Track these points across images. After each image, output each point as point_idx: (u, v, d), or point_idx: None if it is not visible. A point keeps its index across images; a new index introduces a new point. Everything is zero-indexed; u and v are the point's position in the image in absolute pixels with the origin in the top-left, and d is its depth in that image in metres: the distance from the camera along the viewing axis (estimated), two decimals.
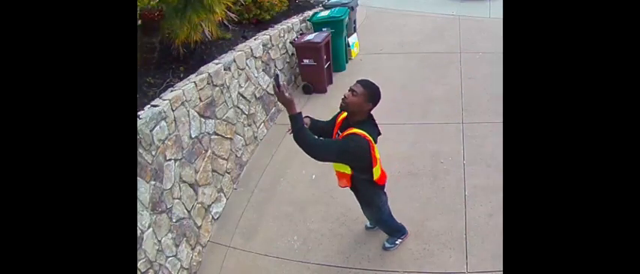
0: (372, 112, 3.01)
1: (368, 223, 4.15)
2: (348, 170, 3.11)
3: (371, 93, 2.91)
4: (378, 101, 2.96)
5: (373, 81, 3.00)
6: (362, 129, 2.87)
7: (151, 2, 4.40)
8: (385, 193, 3.48)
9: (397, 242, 3.94)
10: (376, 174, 3.11)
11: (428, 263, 3.80)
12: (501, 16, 1.95)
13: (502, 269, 1.80)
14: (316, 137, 2.88)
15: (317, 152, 2.80)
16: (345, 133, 2.91)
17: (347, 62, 7.30)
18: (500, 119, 2.74)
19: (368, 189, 3.31)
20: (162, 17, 4.43)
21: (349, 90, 2.92)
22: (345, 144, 2.85)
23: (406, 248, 3.95)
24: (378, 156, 3.10)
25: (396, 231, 3.91)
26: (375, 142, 2.98)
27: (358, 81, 2.97)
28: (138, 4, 4.18)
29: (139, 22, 4.22)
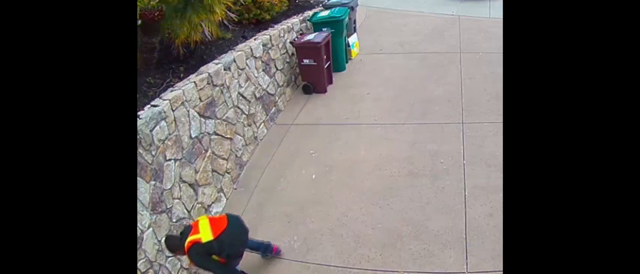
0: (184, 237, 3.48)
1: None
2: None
3: (169, 250, 3.56)
4: (174, 247, 3.48)
5: (164, 240, 3.61)
6: (184, 247, 3.35)
7: (151, 2, 4.40)
8: (227, 237, 3.48)
9: None
10: (206, 237, 3.34)
11: (428, 263, 3.80)
12: (501, 16, 1.95)
13: (502, 269, 1.79)
14: None
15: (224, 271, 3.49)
16: (187, 253, 3.41)
17: (347, 62, 7.31)
18: (501, 119, 2.73)
19: (223, 247, 3.41)
20: (162, 17, 4.43)
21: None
22: (200, 265, 3.47)
23: (407, 248, 3.95)
24: (201, 226, 3.41)
25: None
26: (187, 234, 3.39)
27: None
28: (138, 4, 4.18)
29: (139, 22, 4.22)
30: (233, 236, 3.48)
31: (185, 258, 3.78)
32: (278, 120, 6.11)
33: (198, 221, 3.50)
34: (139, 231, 3.47)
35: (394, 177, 4.80)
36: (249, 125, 5.45)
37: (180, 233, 3.52)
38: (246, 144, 5.35)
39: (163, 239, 3.68)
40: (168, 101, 3.96)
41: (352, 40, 7.54)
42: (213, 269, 3.42)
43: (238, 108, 5.21)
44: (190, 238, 3.34)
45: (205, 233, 3.35)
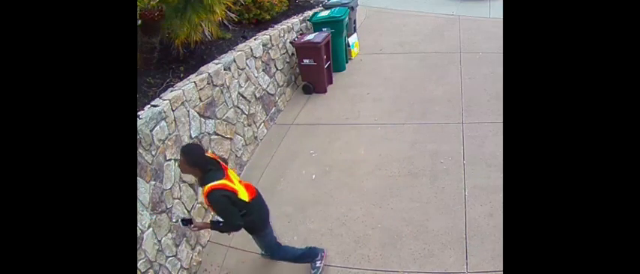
0: (208, 154, 3.26)
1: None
2: None
3: (187, 158, 3.10)
4: (196, 157, 3.11)
5: (189, 144, 3.39)
6: (206, 183, 3.11)
7: (151, 2, 4.40)
8: (261, 204, 3.47)
9: (319, 265, 3.75)
10: (244, 197, 3.26)
11: (428, 262, 3.80)
12: (501, 16, 1.95)
13: (502, 269, 1.80)
14: (220, 221, 3.35)
15: (232, 227, 3.32)
16: (204, 196, 3.19)
17: (347, 62, 7.31)
18: (501, 119, 2.73)
19: (251, 215, 3.33)
20: (162, 17, 4.43)
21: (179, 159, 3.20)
22: (218, 209, 3.21)
23: (407, 248, 3.95)
24: (234, 179, 3.29)
25: (305, 257, 3.74)
26: (223, 175, 3.18)
27: (180, 150, 3.28)
28: (138, 4, 4.18)
29: (139, 22, 4.22)
30: (260, 206, 3.46)
31: (181, 174, 3.45)
32: (278, 120, 6.11)
33: (227, 168, 3.28)
34: (139, 231, 3.46)
35: (394, 177, 4.80)
36: (249, 125, 5.45)
37: (207, 163, 3.15)
38: (246, 144, 5.35)
39: (185, 146, 3.36)
40: (168, 101, 3.96)
41: (352, 40, 7.54)
42: (231, 216, 3.20)
43: (238, 108, 5.21)
44: (224, 182, 3.12)
45: (241, 191, 3.23)
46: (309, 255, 3.77)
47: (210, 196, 3.09)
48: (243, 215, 3.25)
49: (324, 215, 4.42)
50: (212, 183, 3.08)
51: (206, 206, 4.42)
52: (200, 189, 3.34)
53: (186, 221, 3.40)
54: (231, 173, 3.31)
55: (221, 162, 3.33)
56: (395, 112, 5.92)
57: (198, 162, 3.10)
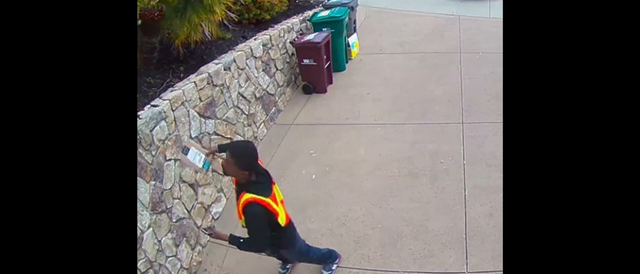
0: (259, 161, 3.00)
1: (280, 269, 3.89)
2: None
3: (238, 159, 2.85)
4: (250, 161, 2.88)
5: (243, 142, 3.09)
6: (250, 192, 2.87)
7: (151, 2, 4.40)
8: (294, 227, 3.36)
9: (333, 268, 3.78)
10: (282, 221, 3.09)
11: (428, 262, 3.80)
12: (501, 16, 1.95)
13: (502, 269, 1.80)
14: (241, 237, 3.10)
15: (255, 248, 3.15)
16: (239, 202, 2.94)
17: (347, 62, 7.31)
18: (501, 119, 2.73)
19: (282, 238, 3.25)
20: (162, 17, 4.43)
21: (225, 158, 2.94)
22: (251, 224, 2.94)
23: (407, 248, 3.95)
24: (278, 197, 3.08)
25: (327, 258, 3.75)
26: (270, 192, 2.97)
27: (229, 148, 3.00)
28: (138, 4, 4.18)
29: (139, 22, 4.22)
30: (292, 230, 3.32)
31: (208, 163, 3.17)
32: (278, 120, 6.11)
33: (275, 183, 3.06)
34: (139, 231, 3.46)
35: (394, 177, 4.80)
36: (249, 125, 5.45)
37: (259, 172, 2.93)
38: None
39: (238, 144, 3.12)
40: (168, 101, 3.96)
41: (352, 40, 7.54)
42: (260, 235, 2.96)
43: (238, 108, 5.21)
44: (269, 201, 2.90)
45: (281, 214, 3.04)
46: (329, 257, 3.77)
47: (249, 207, 2.86)
48: (272, 237, 3.06)
49: (324, 215, 4.42)
50: (256, 195, 2.86)
51: (203, 206, 4.42)
52: (236, 195, 3.08)
53: (208, 228, 3.32)
54: (276, 190, 3.09)
55: (272, 177, 3.09)
56: (395, 112, 5.93)
57: (251, 167, 2.88)
